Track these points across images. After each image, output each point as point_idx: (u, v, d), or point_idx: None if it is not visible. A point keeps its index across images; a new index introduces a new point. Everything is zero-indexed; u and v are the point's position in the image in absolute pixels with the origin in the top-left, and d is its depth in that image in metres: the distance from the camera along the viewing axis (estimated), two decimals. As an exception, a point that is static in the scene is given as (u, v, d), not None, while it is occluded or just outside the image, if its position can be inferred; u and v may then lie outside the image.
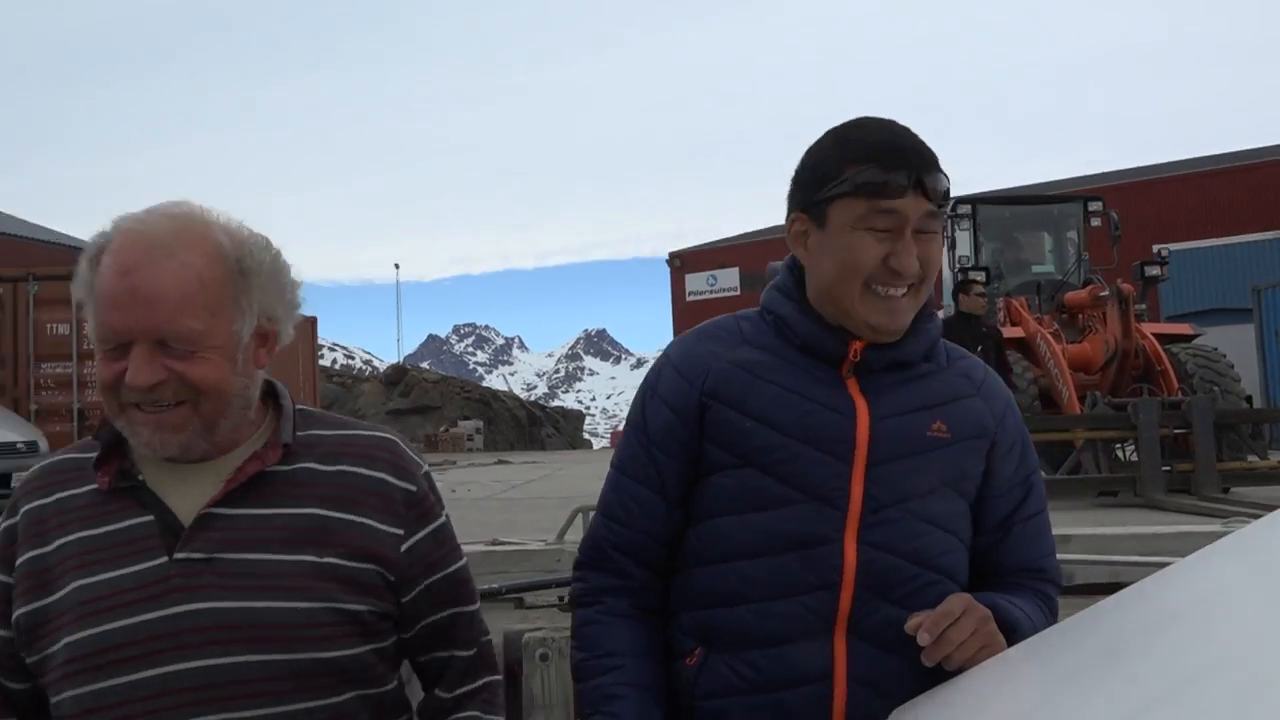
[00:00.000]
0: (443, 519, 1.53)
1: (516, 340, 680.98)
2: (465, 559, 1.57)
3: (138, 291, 1.32)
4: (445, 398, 62.58)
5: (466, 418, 58.94)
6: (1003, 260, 13.50)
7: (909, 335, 1.53)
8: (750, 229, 50.72)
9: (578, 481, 16.77)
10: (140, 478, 1.43)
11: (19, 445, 9.86)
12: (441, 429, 56.52)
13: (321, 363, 18.82)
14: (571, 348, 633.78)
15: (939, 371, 1.57)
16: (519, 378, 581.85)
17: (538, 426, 57.38)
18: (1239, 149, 44.82)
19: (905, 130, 1.50)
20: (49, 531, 1.43)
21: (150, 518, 1.41)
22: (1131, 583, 1.35)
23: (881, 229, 1.46)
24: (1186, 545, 5.13)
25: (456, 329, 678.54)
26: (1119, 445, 10.63)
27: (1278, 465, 9.99)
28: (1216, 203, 35.49)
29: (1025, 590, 1.58)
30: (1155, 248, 12.35)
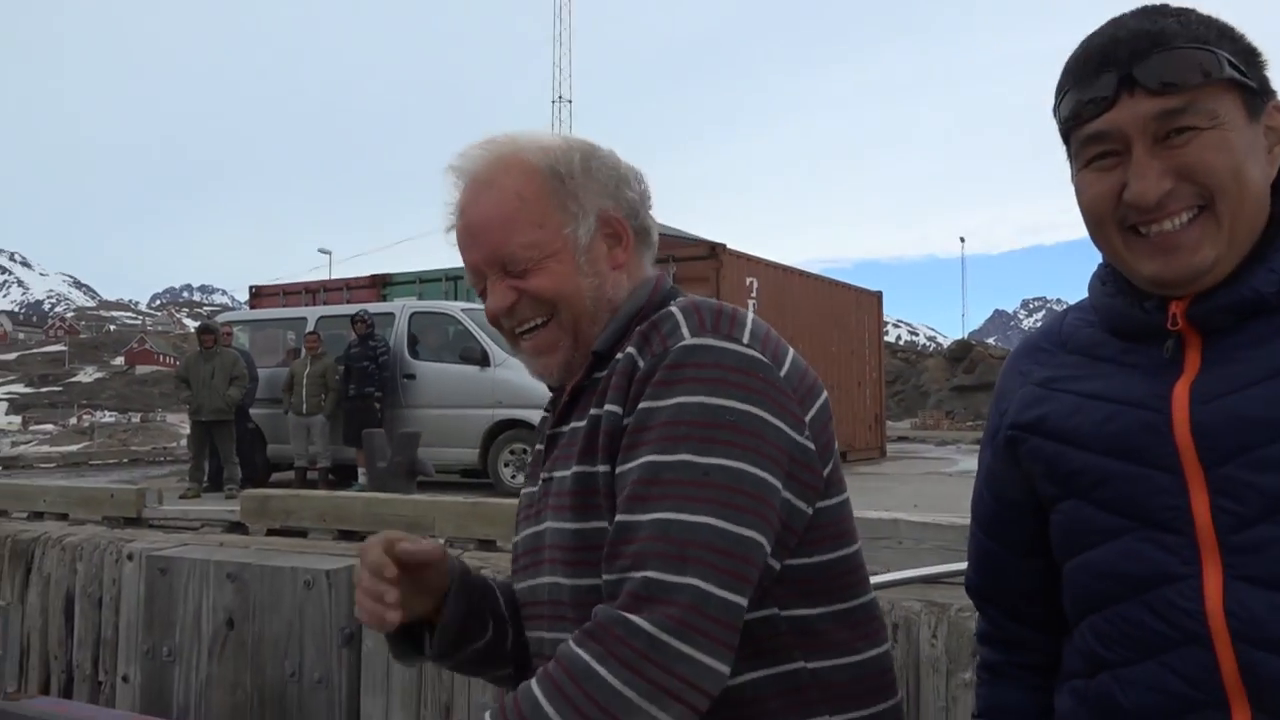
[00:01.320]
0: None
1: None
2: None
3: (472, 228, 1.37)
4: (1011, 374, 60.35)
5: (1034, 395, 56.44)
6: None
7: (1250, 265, 1.10)
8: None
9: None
10: None
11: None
12: (1007, 406, 54.66)
13: (886, 339, 18.98)
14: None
15: None
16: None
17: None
18: None
19: (1132, 15, 1.12)
20: None
21: None
22: None
23: (1103, 157, 1.12)
24: None
25: (1025, 303, 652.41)
26: None
27: None
28: None
29: None
30: None
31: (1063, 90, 1.14)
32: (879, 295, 18.27)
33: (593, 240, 1.38)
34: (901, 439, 26.35)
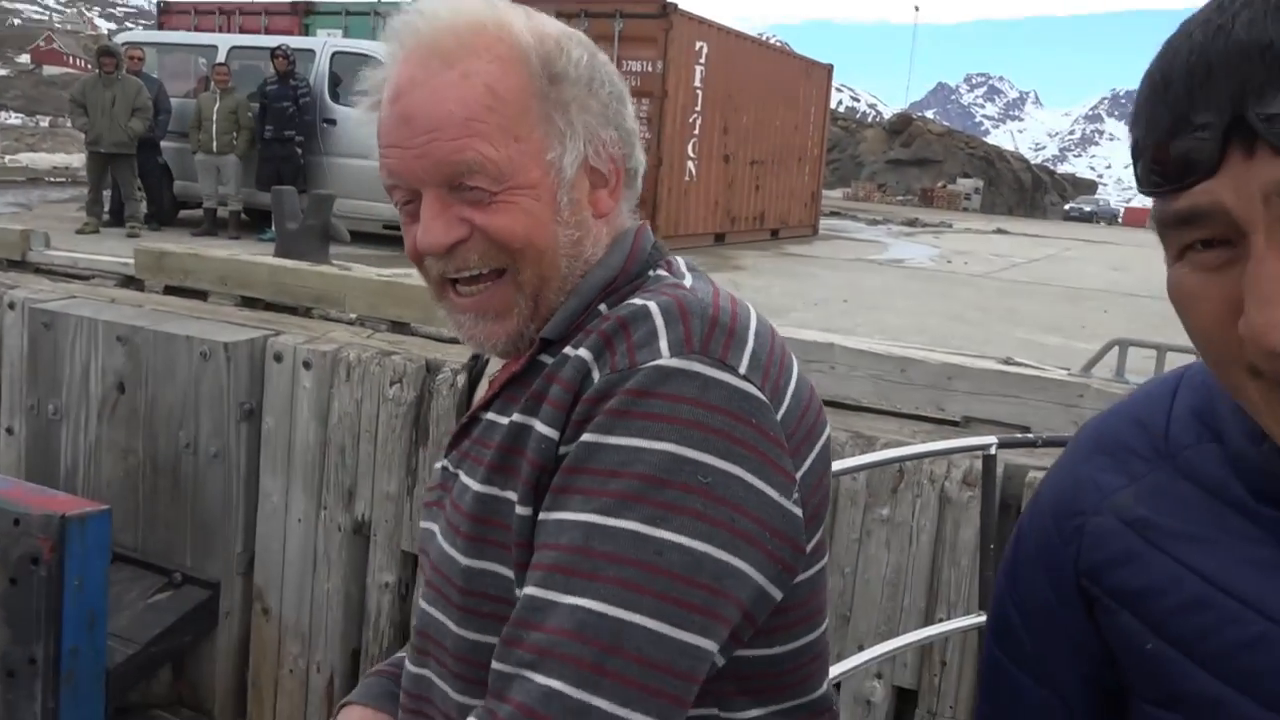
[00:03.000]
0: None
1: (1031, 95, 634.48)
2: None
3: (411, 119, 0.98)
4: (948, 152, 60.24)
5: (966, 175, 56.70)
6: None
7: None
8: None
9: (1088, 269, 15.41)
10: None
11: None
12: (939, 184, 54.95)
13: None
14: (1093, 108, 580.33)
15: None
16: (1027, 135, 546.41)
17: (1041, 192, 53.77)
18: None
19: (1230, 22, 0.64)
20: None
21: None
22: None
23: (1207, 247, 0.69)
24: None
25: (968, 78, 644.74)
26: None
27: None
28: None
29: None
30: None
31: (1147, 120, 0.70)
32: (829, 69, 17.63)
33: (578, 175, 1.02)
34: (834, 213, 26.32)
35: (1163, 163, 0.69)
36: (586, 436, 0.90)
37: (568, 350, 0.97)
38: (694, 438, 0.87)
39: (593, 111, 1.03)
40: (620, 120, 1.05)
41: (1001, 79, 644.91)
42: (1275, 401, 0.68)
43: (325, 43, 11.74)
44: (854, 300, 8.80)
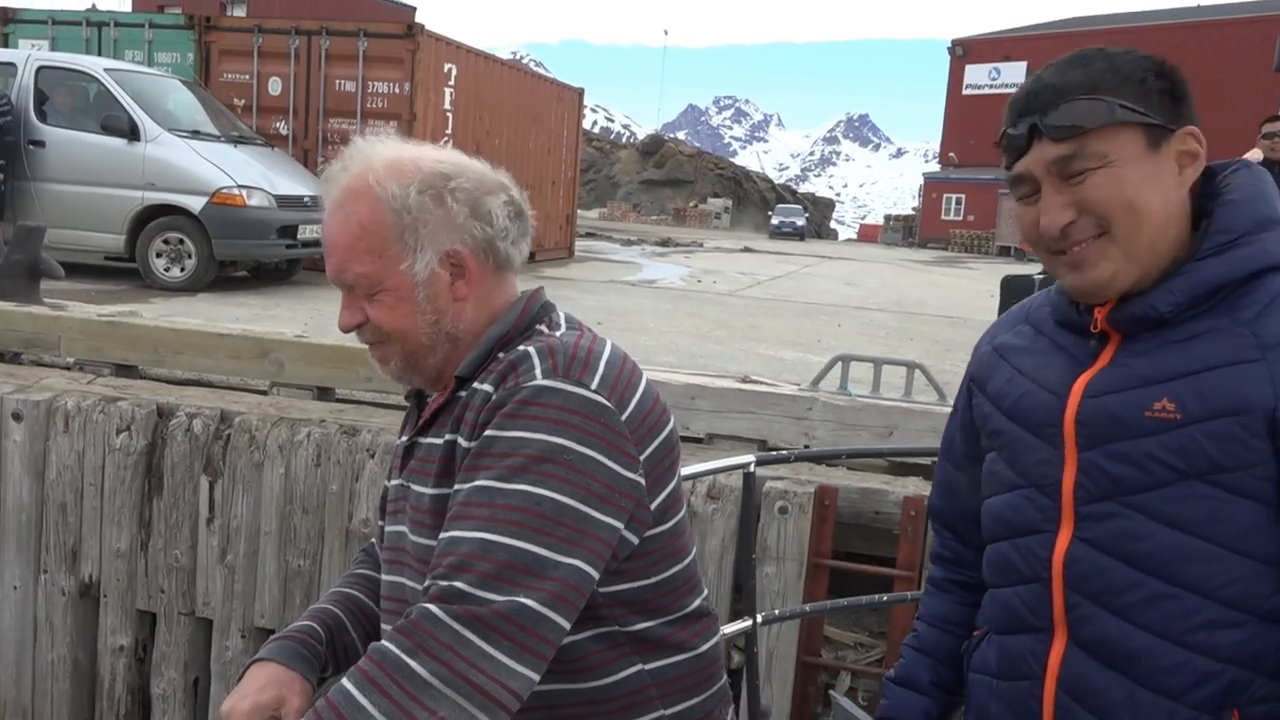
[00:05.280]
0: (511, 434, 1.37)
1: (775, 117, 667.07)
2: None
3: (325, 242, 1.46)
4: (698, 173, 62.56)
5: (717, 195, 59.06)
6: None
7: (1157, 285, 1.28)
8: (1044, 19, 46.13)
9: (824, 285, 16.37)
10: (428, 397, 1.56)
11: (306, 199, 10.24)
12: (691, 204, 56.94)
13: (584, 124, 18.77)
14: (831, 130, 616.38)
15: (1215, 333, 1.26)
16: (772, 156, 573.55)
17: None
18: None
19: (1055, 65, 1.31)
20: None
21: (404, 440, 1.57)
22: None
23: (1026, 195, 1.32)
24: None
25: (717, 100, 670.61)
26: None
27: None
28: None
29: None
30: None
31: (1002, 127, 1.32)
32: (580, 92, 17.90)
33: (431, 275, 1.44)
34: (590, 234, 26.71)
35: (1008, 145, 1.31)
36: (488, 432, 1.33)
37: (476, 385, 1.40)
38: (562, 430, 1.30)
39: (441, 226, 1.43)
40: (470, 225, 1.45)
41: (748, 101, 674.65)
42: (1055, 263, 1.32)
43: (29, 55, 10.74)
44: (608, 322, 8.96)
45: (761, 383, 4.73)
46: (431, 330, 1.45)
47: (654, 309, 10.88)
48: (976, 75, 47.75)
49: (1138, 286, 1.29)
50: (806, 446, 4.45)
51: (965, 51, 48.74)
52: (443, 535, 1.30)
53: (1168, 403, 1.25)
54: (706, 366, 6.68)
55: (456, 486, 1.33)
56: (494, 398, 1.35)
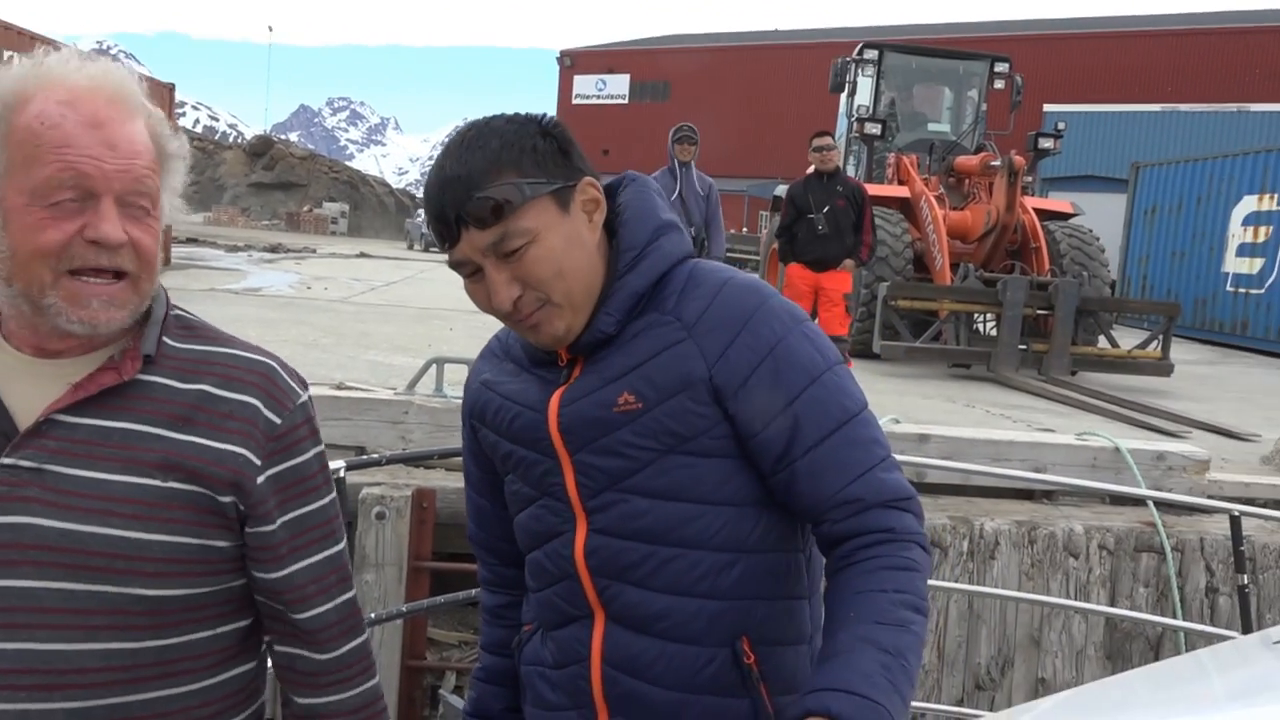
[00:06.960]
0: (309, 455, 1.40)
1: (393, 120, 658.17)
2: (332, 497, 1.46)
3: (116, 145, 1.26)
4: (312, 176, 60.19)
5: (332, 199, 57.04)
6: (900, 113, 13.20)
7: (598, 312, 1.45)
8: (646, 34, 49.03)
9: (440, 289, 16.35)
10: None
11: None
12: (305, 208, 54.59)
13: (182, 123, 17.38)
14: (448, 135, 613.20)
15: (650, 328, 1.46)
16: (391, 160, 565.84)
17: (405, 215, 55.94)
18: (1149, 13, 45.22)
19: (453, 154, 1.39)
20: None
21: None
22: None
23: (473, 273, 1.41)
24: (1040, 456, 5.24)
25: (331, 102, 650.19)
26: (981, 317, 10.82)
27: (1126, 354, 10.36)
28: (1117, 66, 35.89)
29: (860, 559, 1.39)
30: (1047, 108, 12.06)
31: (427, 216, 1.42)
32: (171, 88, 16.61)
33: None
34: (190, 240, 24.95)
35: (438, 235, 1.40)
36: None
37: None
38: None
39: (177, 174, 1.36)
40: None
41: (363, 104, 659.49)
42: (516, 327, 1.45)
43: None
44: (244, 331, 8.40)
45: (356, 389, 4.64)
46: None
47: (258, 318, 10.34)
48: (584, 85, 49.77)
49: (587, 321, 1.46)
50: (404, 449, 4.43)
51: (573, 62, 50.65)
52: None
53: (629, 395, 1.43)
54: (310, 375, 6.44)
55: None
56: (271, 422, 1.36)
